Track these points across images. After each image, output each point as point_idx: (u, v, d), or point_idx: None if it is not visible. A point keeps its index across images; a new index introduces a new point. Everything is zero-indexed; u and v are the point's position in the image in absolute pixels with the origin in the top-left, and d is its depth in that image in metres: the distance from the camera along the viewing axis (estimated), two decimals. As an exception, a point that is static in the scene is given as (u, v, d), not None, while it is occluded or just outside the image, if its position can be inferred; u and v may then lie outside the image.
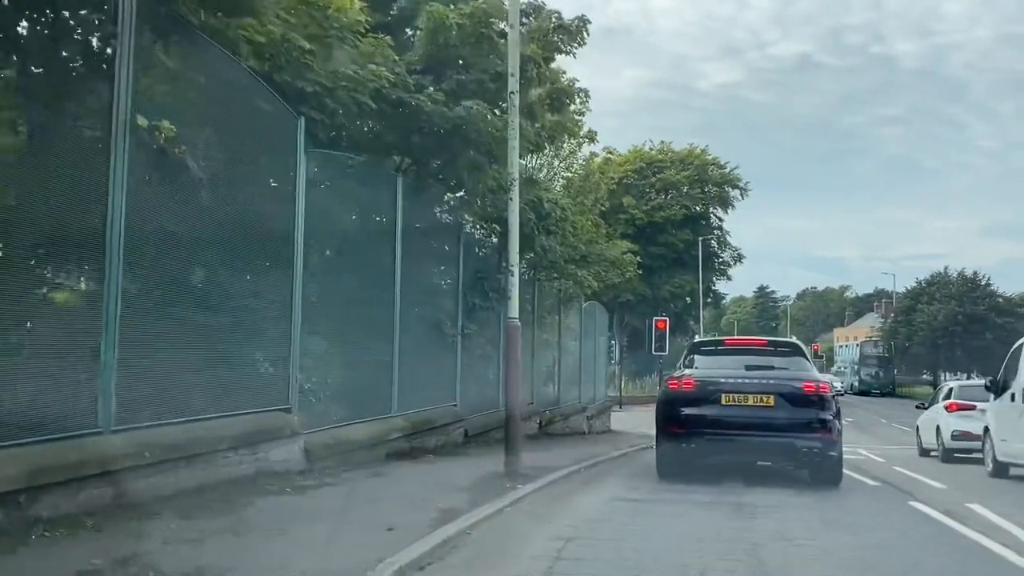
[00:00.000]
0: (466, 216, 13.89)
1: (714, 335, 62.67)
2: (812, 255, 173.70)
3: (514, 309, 9.58)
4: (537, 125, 14.19)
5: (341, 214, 9.98)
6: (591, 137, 20.16)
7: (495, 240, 15.61)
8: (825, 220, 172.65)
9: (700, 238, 54.35)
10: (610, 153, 20.62)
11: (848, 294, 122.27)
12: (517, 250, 10.16)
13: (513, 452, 9.39)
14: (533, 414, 17.88)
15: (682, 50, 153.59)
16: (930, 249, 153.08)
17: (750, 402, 10.34)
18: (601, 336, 29.12)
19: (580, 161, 20.44)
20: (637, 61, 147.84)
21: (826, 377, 11.35)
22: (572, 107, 16.79)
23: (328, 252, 9.53)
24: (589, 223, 20.30)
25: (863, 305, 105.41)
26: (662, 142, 57.61)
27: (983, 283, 59.03)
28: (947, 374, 65.27)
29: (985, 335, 55.98)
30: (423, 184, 12.26)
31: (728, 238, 58.38)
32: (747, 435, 10.27)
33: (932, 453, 17.72)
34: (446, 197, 13.58)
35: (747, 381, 10.51)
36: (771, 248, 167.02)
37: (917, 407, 18.46)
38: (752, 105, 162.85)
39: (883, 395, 59.04)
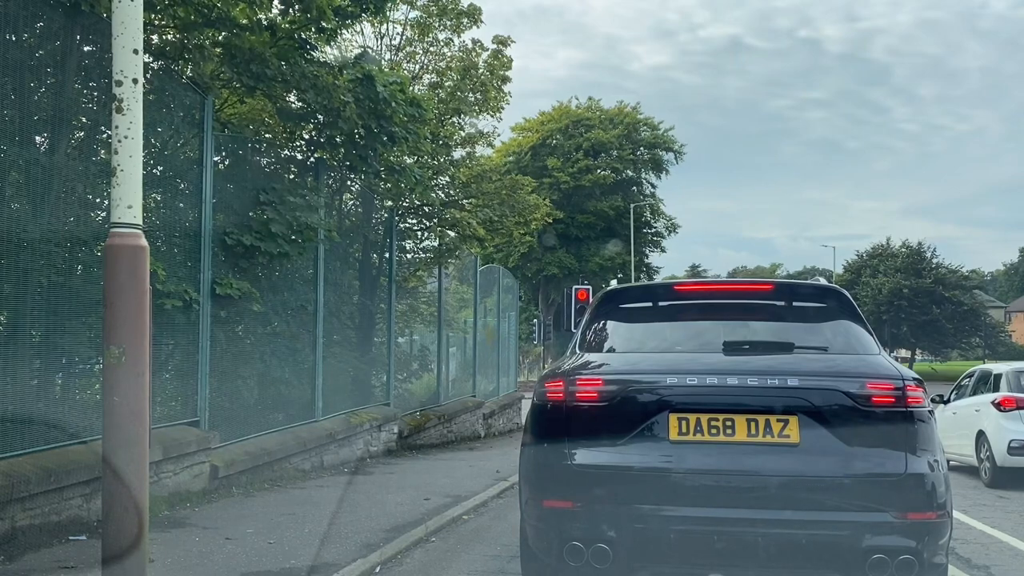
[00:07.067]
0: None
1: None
2: (740, 236, 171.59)
3: (131, 195, 3.40)
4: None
5: None
6: (472, 14, 13.51)
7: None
8: (752, 202, 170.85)
9: (632, 204, 49.19)
10: (502, 44, 14.27)
11: (779, 272, 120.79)
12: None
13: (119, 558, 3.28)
14: (387, 420, 12.02)
15: (615, 31, 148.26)
16: (853, 230, 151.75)
17: (739, 434, 4.25)
18: (510, 311, 23.43)
19: (456, 51, 13.98)
20: (570, 42, 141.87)
21: (905, 369, 4.94)
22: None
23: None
24: (462, 132, 14.11)
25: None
26: (590, 98, 52.26)
27: (929, 255, 55.88)
28: (891, 351, 62.20)
29: (932, 308, 52.80)
30: None
31: (662, 206, 53.43)
32: (734, 519, 4.16)
33: (954, 463, 12.49)
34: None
35: (730, 383, 4.37)
36: (700, 229, 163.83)
37: (933, 400, 13.10)
38: (683, 87, 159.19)
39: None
